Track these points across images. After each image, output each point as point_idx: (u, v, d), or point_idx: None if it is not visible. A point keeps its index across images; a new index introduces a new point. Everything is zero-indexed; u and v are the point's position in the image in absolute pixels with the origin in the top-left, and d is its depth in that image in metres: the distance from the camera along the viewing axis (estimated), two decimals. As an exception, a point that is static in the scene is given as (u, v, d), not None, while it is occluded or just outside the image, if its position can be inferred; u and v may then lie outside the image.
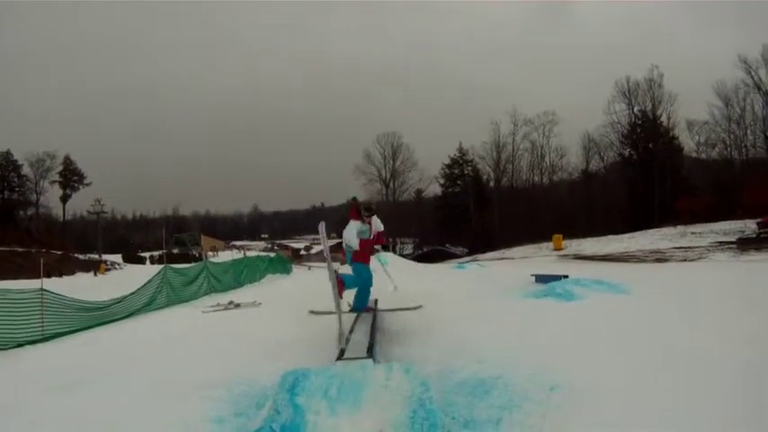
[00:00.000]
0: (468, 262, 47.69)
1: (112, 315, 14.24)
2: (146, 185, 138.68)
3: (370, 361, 5.98)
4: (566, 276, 16.31)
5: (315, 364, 6.25)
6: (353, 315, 10.56)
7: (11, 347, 10.55)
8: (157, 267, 23.88)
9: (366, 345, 7.02)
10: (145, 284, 16.60)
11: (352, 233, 10.64)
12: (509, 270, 28.27)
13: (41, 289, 12.07)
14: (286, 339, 9.78)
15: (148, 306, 15.98)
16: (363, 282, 10.86)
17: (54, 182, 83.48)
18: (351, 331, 8.51)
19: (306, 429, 4.66)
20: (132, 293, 15.69)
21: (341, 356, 6.39)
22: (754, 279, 15.70)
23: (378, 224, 11.00)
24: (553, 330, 8.65)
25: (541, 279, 17.07)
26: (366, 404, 4.92)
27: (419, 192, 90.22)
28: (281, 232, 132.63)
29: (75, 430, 5.36)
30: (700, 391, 5.24)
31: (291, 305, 14.67)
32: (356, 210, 10.91)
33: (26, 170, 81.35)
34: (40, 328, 11.59)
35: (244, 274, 27.15)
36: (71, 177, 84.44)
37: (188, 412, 5.55)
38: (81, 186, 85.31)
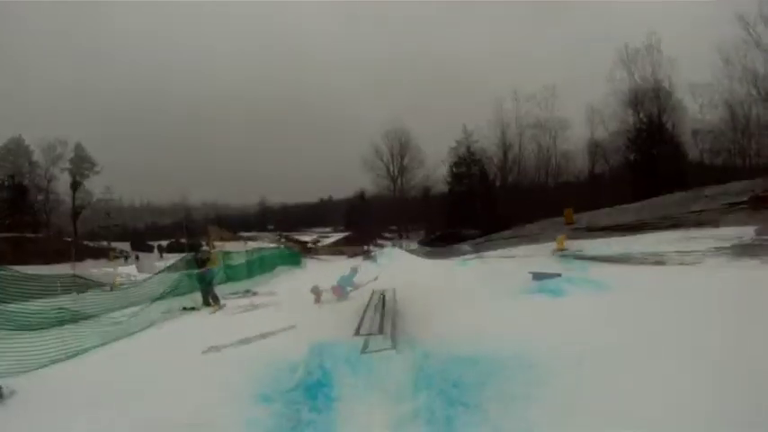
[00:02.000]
0: (471, 259, 48.31)
1: (135, 299, 15.09)
2: (154, 173, 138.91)
3: (381, 336, 7.30)
4: (559, 275, 17.34)
5: (334, 340, 7.52)
6: (365, 302, 12.04)
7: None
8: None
9: (378, 324, 8.33)
10: (164, 268, 17.65)
11: None
12: (510, 267, 29.18)
13: (74, 275, 12.92)
14: (305, 323, 11.01)
15: (174, 291, 16.88)
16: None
17: (65, 169, 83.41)
18: (362, 317, 9.83)
19: (332, 385, 5.97)
20: (155, 274, 16.79)
21: (357, 332, 7.72)
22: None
23: None
24: (536, 320, 9.93)
25: (538, 277, 18.03)
26: (379, 368, 6.23)
27: (426, 189, 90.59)
28: (287, 225, 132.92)
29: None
30: (656, 381, 6.49)
31: (303, 295, 15.87)
32: None
33: (37, 156, 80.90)
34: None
35: (257, 265, 27.80)
36: (81, 165, 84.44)
37: (232, 379, 6.78)
38: (91, 174, 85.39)
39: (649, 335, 7.98)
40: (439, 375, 6.37)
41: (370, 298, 13.33)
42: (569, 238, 33.97)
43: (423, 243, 71.14)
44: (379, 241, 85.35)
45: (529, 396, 5.92)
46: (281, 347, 8.16)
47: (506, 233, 57.15)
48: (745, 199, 32.31)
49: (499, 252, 47.77)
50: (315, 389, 6.00)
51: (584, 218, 47.82)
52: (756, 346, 6.56)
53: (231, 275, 22.71)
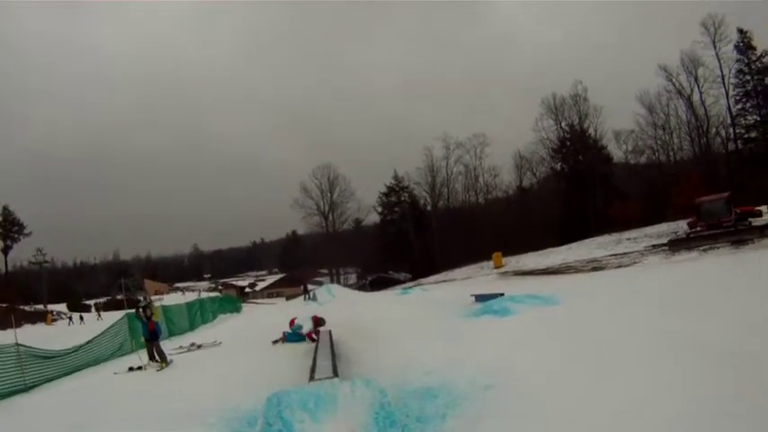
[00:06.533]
0: (411, 287, 48.54)
1: (81, 363, 14.95)
2: (85, 232, 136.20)
3: (337, 379, 7.32)
4: (502, 294, 17.48)
5: (290, 388, 7.49)
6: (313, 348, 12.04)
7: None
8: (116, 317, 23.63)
9: (331, 367, 8.37)
10: (107, 329, 17.22)
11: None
12: (451, 292, 29.44)
13: (16, 344, 12.72)
14: (253, 372, 10.91)
15: (119, 351, 16.63)
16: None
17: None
18: (315, 360, 9.86)
19: (295, 434, 5.94)
20: (100, 335, 16.39)
21: (312, 378, 7.72)
22: (676, 279, 17.16)
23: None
24: (489, 343, 10.20)
25: (480, 298, 18.12)
26: (339, 412, 6.25)
27: (358, 221, 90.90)
28: (223, 271, 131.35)
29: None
30: (608, 382, 6.74)
31: (249, 341, 15.73)
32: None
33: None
34: (22, 381, 12.33)
35: (198, 315, 27.37)
36: (11, 228, 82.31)
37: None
38: (21, 237, 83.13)
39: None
40: (400, 411, 6.42)
41: (318, 339, 13.29)
42: (496, 281, 34.82)
43: (356, 287, 71.39)
44: (317, 279, 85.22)
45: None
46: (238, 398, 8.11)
47: (435, 277, 57.91)
48: (665, 242, 34.14)
49: (437, 276, 48.40)
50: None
51: (513, 261, 48.84)
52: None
53: (173, 330, 22.27)
